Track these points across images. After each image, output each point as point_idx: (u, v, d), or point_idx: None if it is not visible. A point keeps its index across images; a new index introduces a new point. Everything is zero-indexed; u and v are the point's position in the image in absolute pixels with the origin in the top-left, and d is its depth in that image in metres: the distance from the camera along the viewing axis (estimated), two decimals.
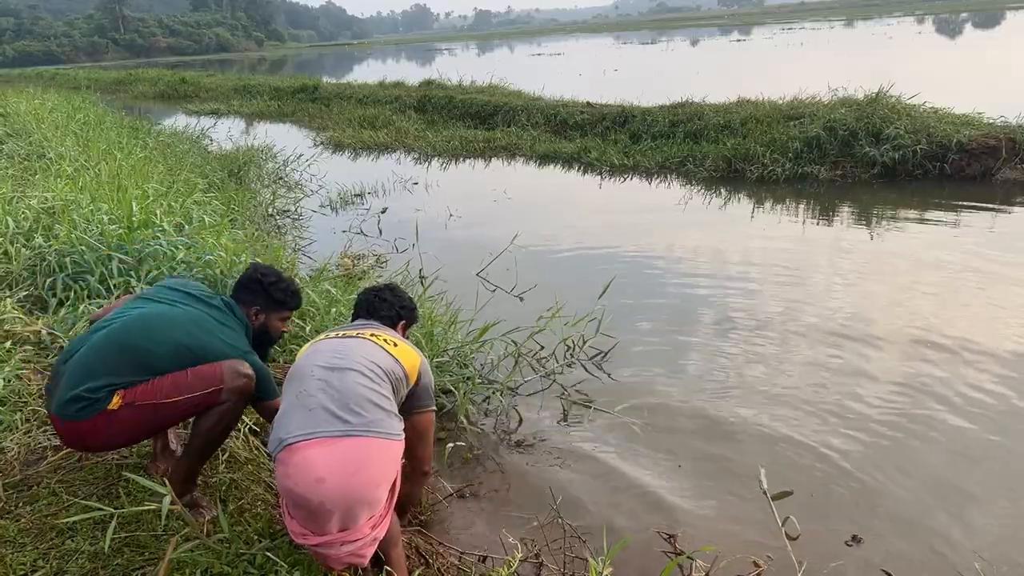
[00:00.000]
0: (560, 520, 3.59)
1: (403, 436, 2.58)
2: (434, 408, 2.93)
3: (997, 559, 3.41)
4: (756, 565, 3.35)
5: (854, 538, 3.57)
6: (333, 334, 2.82)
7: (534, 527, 3.57)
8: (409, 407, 2.79)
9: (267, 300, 3.19)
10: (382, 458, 2.47)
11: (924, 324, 5.98)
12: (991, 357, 5.37)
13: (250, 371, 2.90)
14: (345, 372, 2.56)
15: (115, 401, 2.70)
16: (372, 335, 2.78)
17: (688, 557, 2.91)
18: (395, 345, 2.78)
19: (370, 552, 2.52)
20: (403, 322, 3.12)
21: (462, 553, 3.27)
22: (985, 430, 4.52)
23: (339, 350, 2.67)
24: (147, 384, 2.75)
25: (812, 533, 3.58)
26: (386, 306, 3.06)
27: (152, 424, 2.84)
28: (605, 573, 2.56)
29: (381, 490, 2.49)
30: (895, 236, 8.65)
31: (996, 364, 5.27)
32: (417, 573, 2.62)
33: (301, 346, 4.60)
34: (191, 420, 2.95)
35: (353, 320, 3.09)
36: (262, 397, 2.98)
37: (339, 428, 2.41)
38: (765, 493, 3.56)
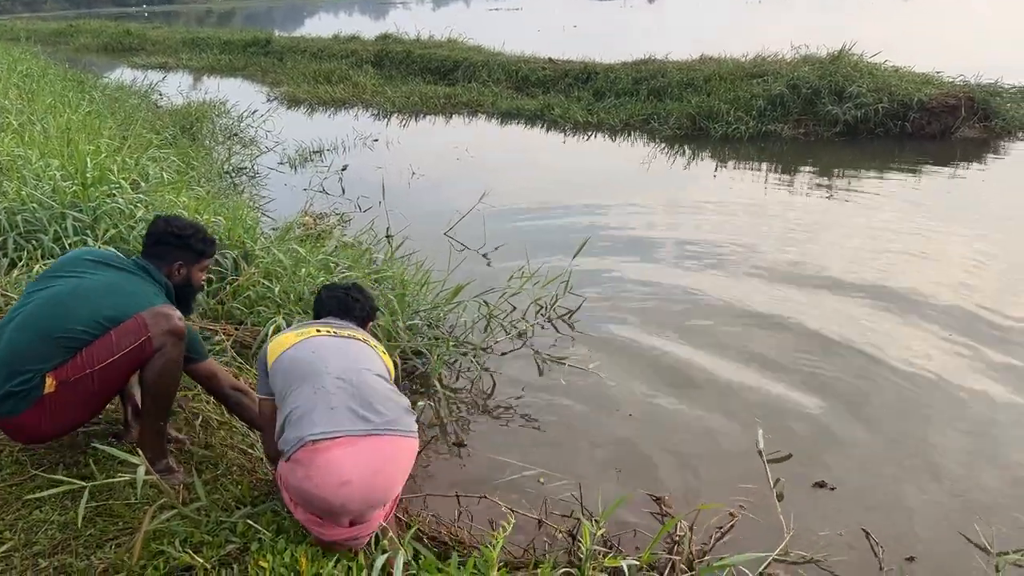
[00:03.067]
0: (541, 482, 3.58)
1: (417, 432, 2.55)
2: None
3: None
4: (732, 516, 3.36)
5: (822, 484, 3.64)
6: (325, 330, 2.72)
7: (519, 491, 3.54)
8: None
9: (188, 253, 3.02)
10: (403, 456, 2.45)
11: (879, 274, 6.18)
12: (938, 309, 5.56)
13: (171, 309, 2.75)
14: (362, 372, 2.52)
15: (49, 384, 2.57)
16: (364, 339, 2.76)
17: (677, 519, 2.89)
18: (384, 353, 2.78)
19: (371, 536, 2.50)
20: (371, 322, 3.10)
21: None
22: (933, 375, 4.69)
23: (346, 350, 2.63)
24: (76, 358, 2.61)
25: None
26: (358, 307, 3.00)
27: (99, 394, 2.71)
28: (598, 534, 2.53)
29: (399, 487, 2.49)
30: (855, 193, 8.73)
31: (942, 314, 5.47)
32: (412, 531, 2.55)
33: (268, 307, 4.53)
34: None
35: (321, 316, 2.99)
36: (193, 357, 2.86)
37: (363, 427, 2.35)
38: (761, 454, 3.56)
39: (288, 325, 4.23)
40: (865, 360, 4.88)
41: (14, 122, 7.30)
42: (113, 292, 2.75)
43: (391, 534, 2.48)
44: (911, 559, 3.18)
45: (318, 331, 2.70)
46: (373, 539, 2.43)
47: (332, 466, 2.27)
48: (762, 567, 2.80)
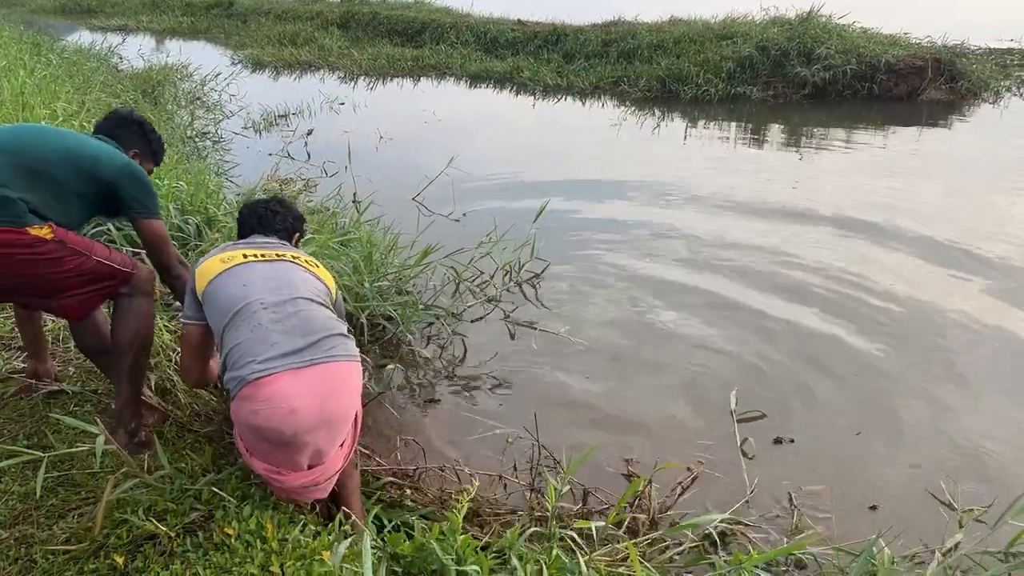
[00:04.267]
0: (510, 442, 3.59)
1: (358, 355, 2.48)
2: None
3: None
4: (689, 470, 3.42)
5: (780, 440, 3.70)
6: (251, 254, 2.56)
7: (490, 454, 3.56)
8: None
9: (146, 147, 2.98)
10: (349, 380, 2.38)
11: (851, 228, 6.24)
12: (905, 258, 5.72)
13: (157, 283, 2.83)
14: (295, 301, 2.41)
15: (46, 231, 2.50)
16: (293, 257, 2.62)
17: (641, 480, 2.92)
18: (316, 266, 2.67)
19: (331, 486, 2.46)
20: (296, 235, 2.94)
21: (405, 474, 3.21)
22: (899, 327, 4.82)
23: (277, 277, 2.48)
24: (75, 234, 2.62)
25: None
26: (279, 219, 2.84)
27: (70, 276, 2.58)
28: (563, 490, 2.54)
29: (350, 412, 2.41)
30: (824, 153, 8.78)
31: (911, 262, 5.63)
32: (375, 511, 2.55)
33: None
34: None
35: (244, 235, 2.84)
36: (155, 211, 2.81)
37: (305, 358, 2.28)
38: (732, 414, 3.58)
39: None
40: (833, 309, 4.98)
41: None
42: (75, 136, 2.72)
43: (353, 517, 2.45)
44: (874, 507, 3.25)
45: (244, 256, 2.56)
46: (336, 524, 2.39)
47: (277, 396, 2.22)
48: (716, 520, 2.81)
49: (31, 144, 2.58)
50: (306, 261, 2.64)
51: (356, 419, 2.49)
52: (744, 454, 3.47)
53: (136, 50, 16.52)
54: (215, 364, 2.76)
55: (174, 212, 4.76)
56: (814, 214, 6.71)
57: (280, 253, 2.62)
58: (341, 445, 2.43)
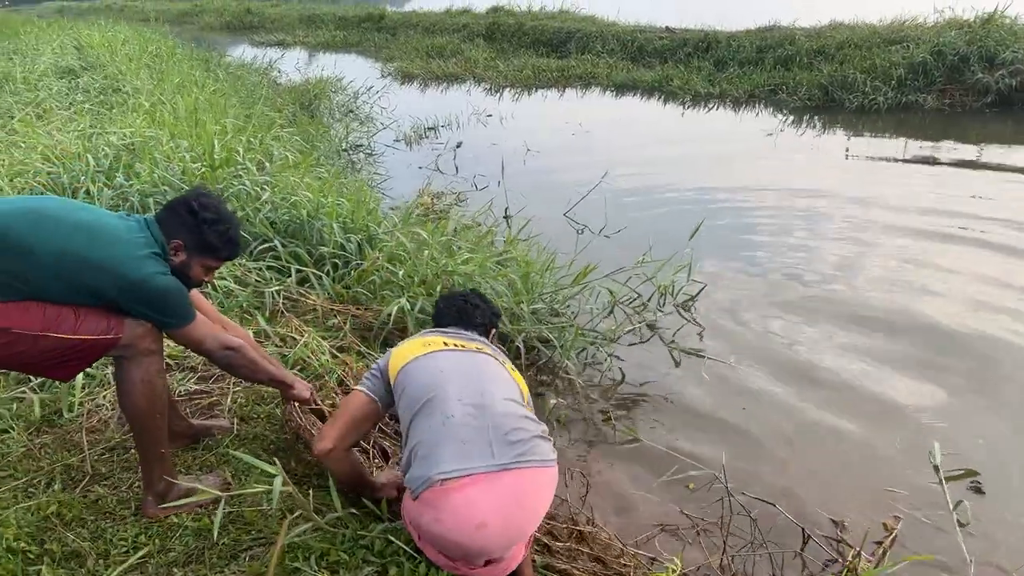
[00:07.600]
0: (689, 488, 3.31)
1: (556, 458, 2.29)
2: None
3: None
4: (887, 528, 3.05)
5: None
6: (452, 343, 2.51)
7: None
8: None
9: (195, 239, 2.40)
10: (544, 488, 2.21)
11: None
12: None
13: (157, 339, 2.36)
14: (494, 396, 2.28)
15: None
16: (493, 354, 2.55)
17: (857, 551, 2.57)
18: (513, 370, 2.55)
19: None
20: (494, 330, 2.89)
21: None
22: None
23: (473, 369, 2.40)
24: (29, 307, 2.16)
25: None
26: (479, 313, 2.81)
27: (22, 356, 2.20)
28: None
29: (539, 521, 2.24)
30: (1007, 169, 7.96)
31: None
32: None
33: (392, 291, 4.38)
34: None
35: (440, 326, 2.79)
36: (178, 324, 2.35)
37: (499, 462, 2.12)
38: (937, 470, 3.16)
39: (412, 308, 4.11)
40: None
41: (145, 103, 7.47)
42: (90, 231, 2.22)
43: None
44: None
45: (445, 344, 2.50)
46: None
47: (466, 508, 2.06)
48: None
49: (27, 230, 2.15)
50: (503, 361, 2.54)
51: None
52: (959, 523, 3.04)
53: (293, 64, 17.24)
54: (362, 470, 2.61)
55: (337, 230, 4.76)
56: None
57: (479, 347, 2.55)
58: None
